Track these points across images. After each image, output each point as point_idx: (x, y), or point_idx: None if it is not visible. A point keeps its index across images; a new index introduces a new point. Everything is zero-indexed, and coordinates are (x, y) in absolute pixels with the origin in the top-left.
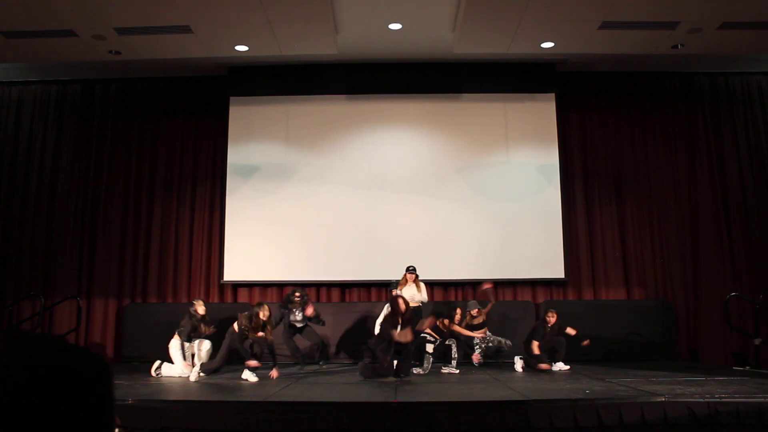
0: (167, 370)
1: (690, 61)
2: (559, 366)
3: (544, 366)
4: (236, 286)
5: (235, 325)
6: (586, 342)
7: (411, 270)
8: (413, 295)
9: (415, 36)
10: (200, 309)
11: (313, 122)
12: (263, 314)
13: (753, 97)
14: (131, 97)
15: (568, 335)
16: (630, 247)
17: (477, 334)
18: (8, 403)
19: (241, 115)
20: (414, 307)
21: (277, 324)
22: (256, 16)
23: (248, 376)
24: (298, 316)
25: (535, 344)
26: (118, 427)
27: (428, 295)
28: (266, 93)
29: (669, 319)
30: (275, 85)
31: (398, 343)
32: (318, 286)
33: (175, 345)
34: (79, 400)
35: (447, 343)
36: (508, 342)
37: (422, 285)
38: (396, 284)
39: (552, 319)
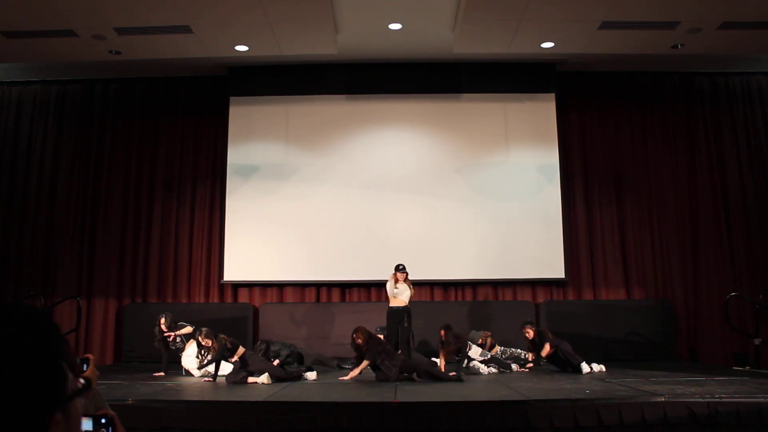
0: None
1: (690, 61)
2: (598, 367)
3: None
4: (236, 286)
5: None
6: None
7: (402, 269)
8: (402, 294)
9: (415, 36)
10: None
11: (313, 122)
12: (204, 342)
13: (753, 97)
14: (131, 97)
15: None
16: (630, 247)
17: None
18: None
19: (241, 115)
20: (404, 306)
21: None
22: (256, 16)
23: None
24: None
25: (530, 355)
26: (109, 418)
27: (413, 295)
28: (266, 93)
29: (669, 319)
30: (275, 85)
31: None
32: (318, 286)
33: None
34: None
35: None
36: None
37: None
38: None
39: (529, 333)
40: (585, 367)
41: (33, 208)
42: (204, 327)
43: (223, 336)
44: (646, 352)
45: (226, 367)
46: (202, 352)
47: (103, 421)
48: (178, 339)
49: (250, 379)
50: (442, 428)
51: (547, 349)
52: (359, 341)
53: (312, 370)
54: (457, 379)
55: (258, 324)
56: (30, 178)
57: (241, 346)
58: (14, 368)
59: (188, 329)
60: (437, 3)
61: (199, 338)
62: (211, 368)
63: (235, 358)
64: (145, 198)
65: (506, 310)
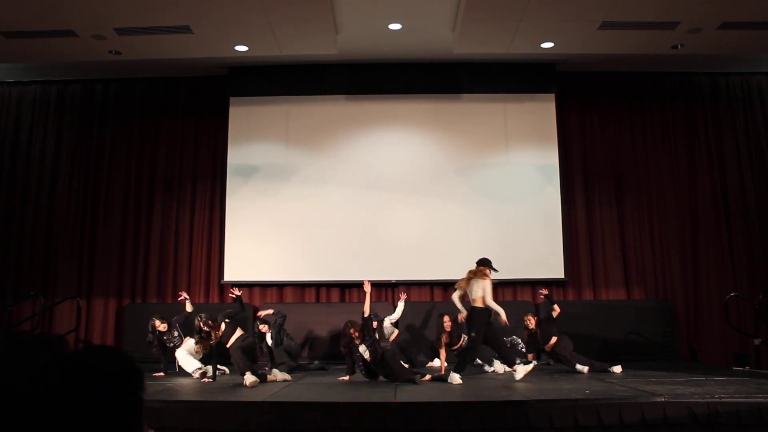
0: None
1: (690, 61)
2: (617, 368)
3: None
4: (236, 286)
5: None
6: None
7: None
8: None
9: (415, 36)
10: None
11: (313, 122)
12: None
13: (753, 97)
14: (131, 97)
15: (555, 318)
16: (630, 247)
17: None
18: (48, 400)
19: (241, 115)
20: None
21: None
22: (256, 17)
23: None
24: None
25: (530, 356)
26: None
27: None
28: (266, 93)
29: (669, 319)
30: (275, 85)
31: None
32: (318, 286)
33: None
34: (110, 399)
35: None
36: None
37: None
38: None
39: (531, 323)
40: (581, 368)
41: (33, 208)
42: (201, 314)
43: (223, 313)
44: (646, 352)
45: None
46: (202, 336)
47: None
48: (176, 334)
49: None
50: (442, 428)
51: (552, 342)
52: (355, 335)
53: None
54: (411, 381)
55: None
56: (30, 178)
57: (239, 328)
58: (110, 404)
59: (189, 308)
60: (437, 3)
61: (200, 323)
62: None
63: (232, 341)
64: (145, 198)
65: (506, 310)
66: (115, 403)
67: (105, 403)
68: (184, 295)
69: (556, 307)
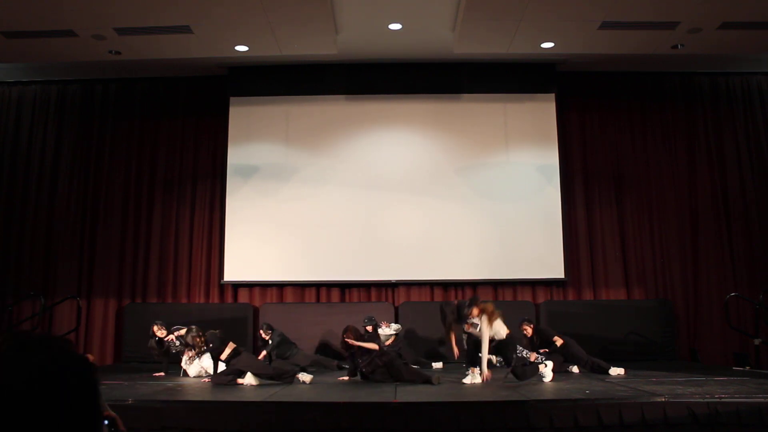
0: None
1: (690, 61)
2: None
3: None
4: (236, 286)
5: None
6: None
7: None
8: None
9: (415, 36)
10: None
11: (313, 122)
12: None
13: (753, 97)
14: (131, 97)
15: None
16: (630, 247)
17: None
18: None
19: (241, 115)
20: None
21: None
22: (257, 17)
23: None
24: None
25: (532, 356)
26: (111, 419)
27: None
28: (266, 93)
29: (669, 319)
30: (275, 85)
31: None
32: (318, 286)
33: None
34: (60, 396)
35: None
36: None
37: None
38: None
39: (528, 331)
40: (615, 370)
41: (33, 208)
42: (193, 326)
43: (212, 332)
44: (646, 352)
45: (221, 366)
46: (194, 349)
47: (105, 422)
48: (178, 342)
49: (238, 380)
50: (442, 428)
51: (559, 341)
52: (349, 340)
53: (307, 371)
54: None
55: (258, 324)
56: (30, 178)
57: (231, 342)
58: (61, 401)
59: (183, 331)
60: (437, 3)
61: (188, 338)
62: (205, 365)
63: (225, 354)
64: (145, 198)
65: (506, 310)
66: (81, 397)
67: (76, 399)
68: (171, 337)
69: (557, 339)
